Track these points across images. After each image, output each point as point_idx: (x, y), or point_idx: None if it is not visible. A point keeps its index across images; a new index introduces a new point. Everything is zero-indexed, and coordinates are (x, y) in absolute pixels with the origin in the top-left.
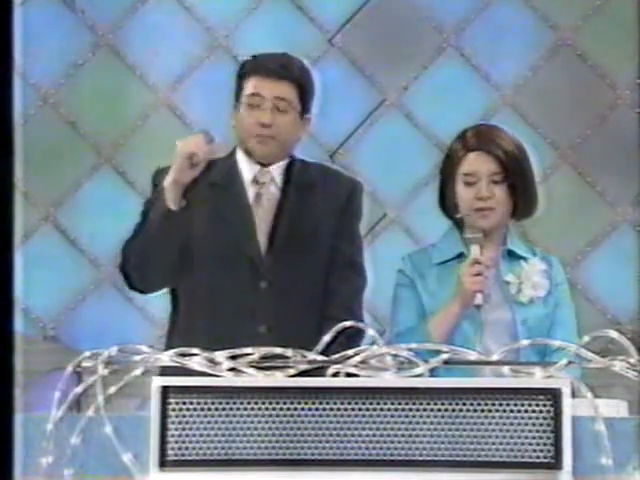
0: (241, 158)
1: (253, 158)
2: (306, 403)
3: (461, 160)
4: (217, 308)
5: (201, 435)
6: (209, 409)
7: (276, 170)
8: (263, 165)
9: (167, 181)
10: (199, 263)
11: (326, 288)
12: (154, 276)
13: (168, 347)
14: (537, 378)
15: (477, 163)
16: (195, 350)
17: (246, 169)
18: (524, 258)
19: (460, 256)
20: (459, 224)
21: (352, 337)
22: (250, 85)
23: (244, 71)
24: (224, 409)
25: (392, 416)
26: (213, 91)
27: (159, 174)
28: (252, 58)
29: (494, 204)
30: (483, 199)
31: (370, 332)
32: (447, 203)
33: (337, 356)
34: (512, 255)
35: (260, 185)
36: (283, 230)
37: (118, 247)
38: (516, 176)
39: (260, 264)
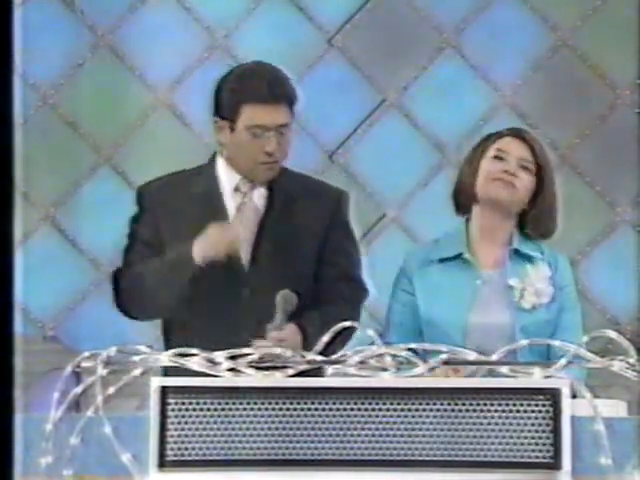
0: (222, 167)
1: (255, 181)
2: (305, 403)
3: (495, 140)
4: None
5: (200, 435)
6: (208, 409)
7: None
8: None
9: (199, 255)
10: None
11: (317, 302)
12: (156, 313)
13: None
14: (536, 378)
15: (511, 145)
16: (194, 350)
17: (227, 178)
18: (531, 258)
19: (459, 256)
20: (465, 217)
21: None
22: (248, 114)
23: (236, 98)
24: (223, 409)
25: (392, 416)
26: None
27: (143, 193)
28: (237, 78)
29: (517, 183)
30: (509, 173)
31: (369, 332)
32: (462, 193)
33: (336, 356)
34: (519, 255)
35: (242, 194)
36: (266, 241)
37: (118, 247)
38: (543, 173)
39: (242, 275)
